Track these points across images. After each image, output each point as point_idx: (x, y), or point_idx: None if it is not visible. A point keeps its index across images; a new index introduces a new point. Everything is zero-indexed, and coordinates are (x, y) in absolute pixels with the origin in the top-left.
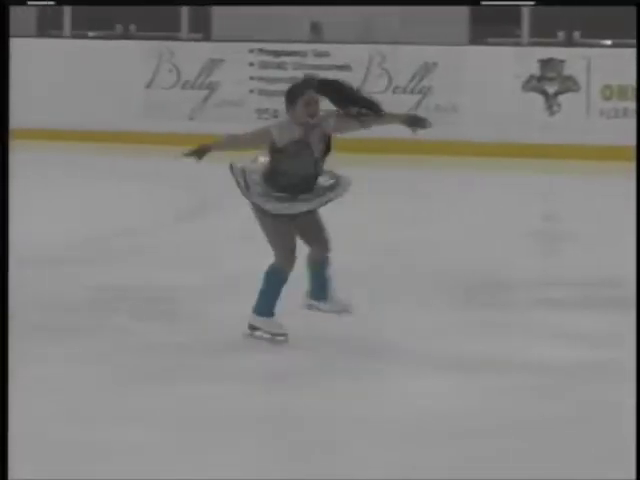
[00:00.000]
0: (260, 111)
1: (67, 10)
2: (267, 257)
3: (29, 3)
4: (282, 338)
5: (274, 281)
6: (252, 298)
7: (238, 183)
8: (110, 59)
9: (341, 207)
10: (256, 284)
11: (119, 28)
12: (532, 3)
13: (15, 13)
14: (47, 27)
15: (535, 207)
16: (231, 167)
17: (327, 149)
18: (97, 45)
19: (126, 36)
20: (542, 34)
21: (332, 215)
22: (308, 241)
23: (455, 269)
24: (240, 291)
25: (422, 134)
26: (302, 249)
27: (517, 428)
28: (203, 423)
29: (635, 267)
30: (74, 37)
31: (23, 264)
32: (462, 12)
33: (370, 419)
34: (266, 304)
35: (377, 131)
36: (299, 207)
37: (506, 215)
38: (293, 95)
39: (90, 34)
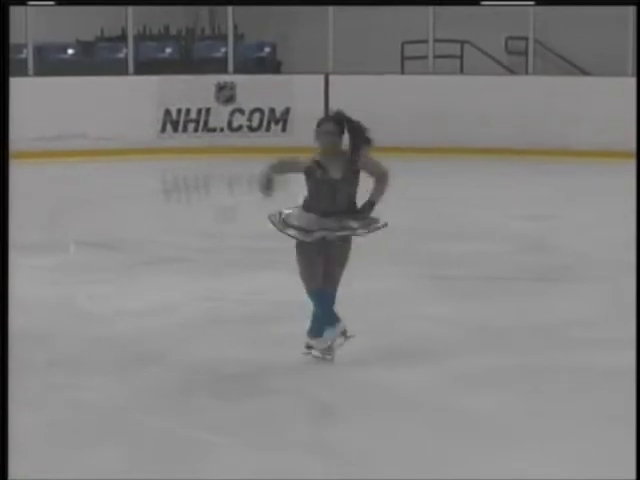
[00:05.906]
0: None
1: None
2: None
3: (29, 3)
4: (329, 357)
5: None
6: None
7: (275, 225)
8: None
9: None
10: None
11: None
12: (532, 3)
13: None
14: None
15: None
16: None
17: (352, 179)
18: None
19: None
20: None
21: None
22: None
23: None
24: None
25: None
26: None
27: None
28: None
29: (636, 259)
30: None
31: None
32: None
33: None
34: (316, 325)
35: None
36: (317, 235)
37: None
38: (317, 126)
39: None
